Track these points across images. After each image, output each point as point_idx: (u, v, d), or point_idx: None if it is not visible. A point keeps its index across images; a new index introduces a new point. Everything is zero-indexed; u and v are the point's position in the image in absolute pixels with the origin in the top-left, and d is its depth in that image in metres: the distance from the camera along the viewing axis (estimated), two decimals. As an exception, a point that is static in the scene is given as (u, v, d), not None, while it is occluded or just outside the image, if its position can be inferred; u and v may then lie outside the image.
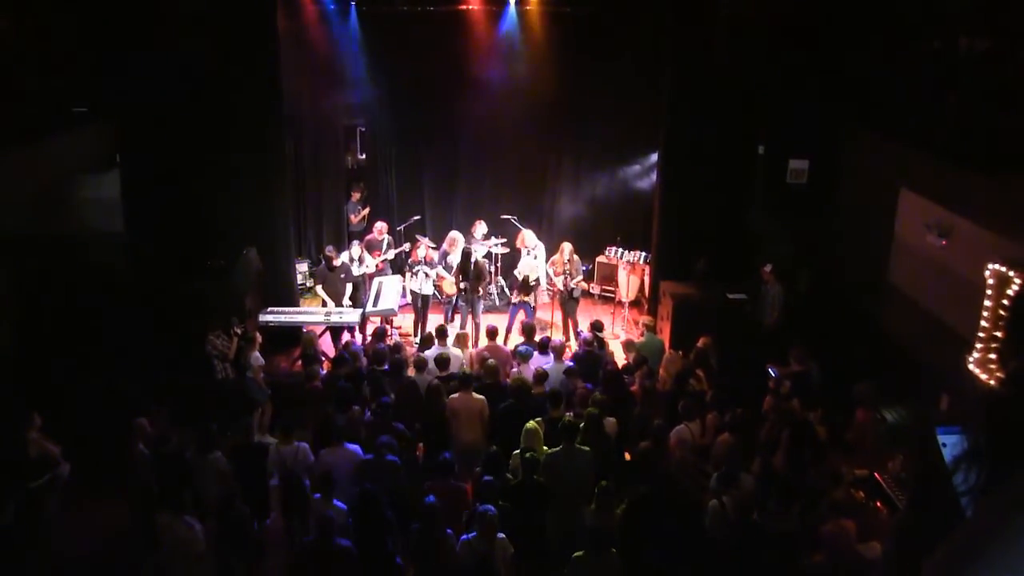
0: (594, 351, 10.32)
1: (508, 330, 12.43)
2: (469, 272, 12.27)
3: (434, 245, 13.38)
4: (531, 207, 15.05)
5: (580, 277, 12.74)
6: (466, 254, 12.43)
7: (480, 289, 12.52)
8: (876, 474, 7.84)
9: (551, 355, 9.77)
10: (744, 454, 7.82)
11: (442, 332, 10.30)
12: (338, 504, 6.90)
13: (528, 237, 13.09)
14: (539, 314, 13.39)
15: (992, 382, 7.97)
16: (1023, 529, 1.22)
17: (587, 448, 7.54)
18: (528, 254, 12.86)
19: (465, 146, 15.01)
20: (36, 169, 9.65)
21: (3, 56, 9.27)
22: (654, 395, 9.38)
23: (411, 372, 9.44)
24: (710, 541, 6.82)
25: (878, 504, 7.60)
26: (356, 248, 12.95)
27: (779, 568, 6.48)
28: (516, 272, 12.84)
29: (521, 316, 12.45)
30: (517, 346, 10.32)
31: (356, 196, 14.74)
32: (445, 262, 12.76)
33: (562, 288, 12.48)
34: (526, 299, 12.60)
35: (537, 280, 12.64)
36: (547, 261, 12.84)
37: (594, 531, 6.50)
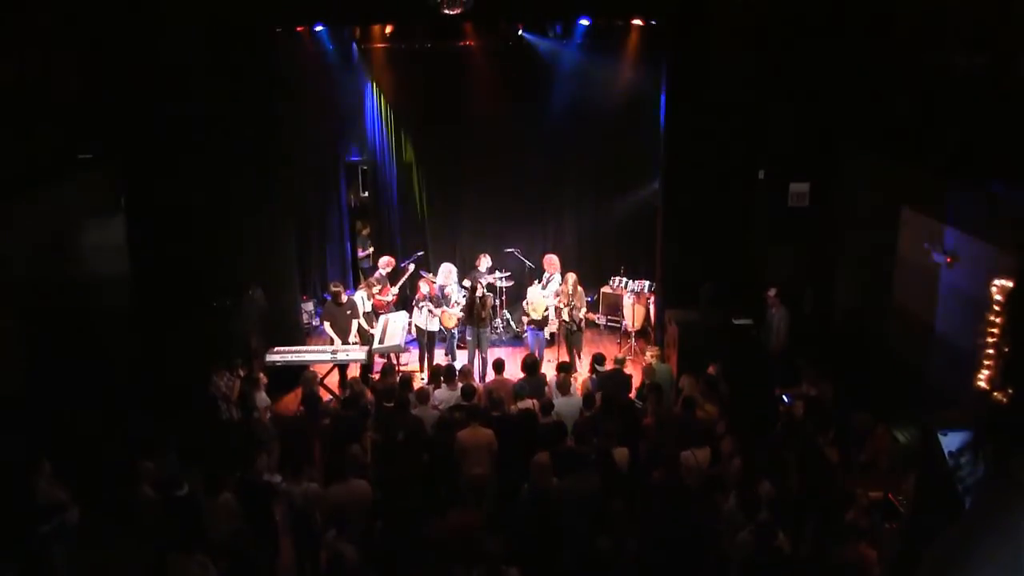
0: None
1: (540, 356, 11.88)
2: (474, 307, 12.27)
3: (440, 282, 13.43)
4: (535, 239, 15.11)
5: (584, 309, 12.69)
6: (471, 290, 12.44)
7: (486, 323, 12.52)
8: (890, 496, 7.75)
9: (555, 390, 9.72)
10: (754, 478, 7.75)
11: (450, 372, 10.25)
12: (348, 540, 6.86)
13: (554, 261, 13.28)
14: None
15: (1002, 399, 7.89)
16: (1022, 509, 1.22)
17: (596, 477, 7.49)
18: (542, 282, 12.90)
19: (467, 180, 15.12)
20: (43, 215, 9.72)
21: (9, 103, 9.37)
22: (667, 423, 9.31)
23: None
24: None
25: (893, 526, 7.50)
26: (362, 292, 13.01)
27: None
28: (524, 304, 12.82)
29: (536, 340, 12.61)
30: (513, 384, 10.20)
31: (364, 232, 14.85)
32: (443, 294, 12.78)
33: (567, 320, 12.46)
34: (535, 322, 12.66)
35: (547, 311, 12.67)
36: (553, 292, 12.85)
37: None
